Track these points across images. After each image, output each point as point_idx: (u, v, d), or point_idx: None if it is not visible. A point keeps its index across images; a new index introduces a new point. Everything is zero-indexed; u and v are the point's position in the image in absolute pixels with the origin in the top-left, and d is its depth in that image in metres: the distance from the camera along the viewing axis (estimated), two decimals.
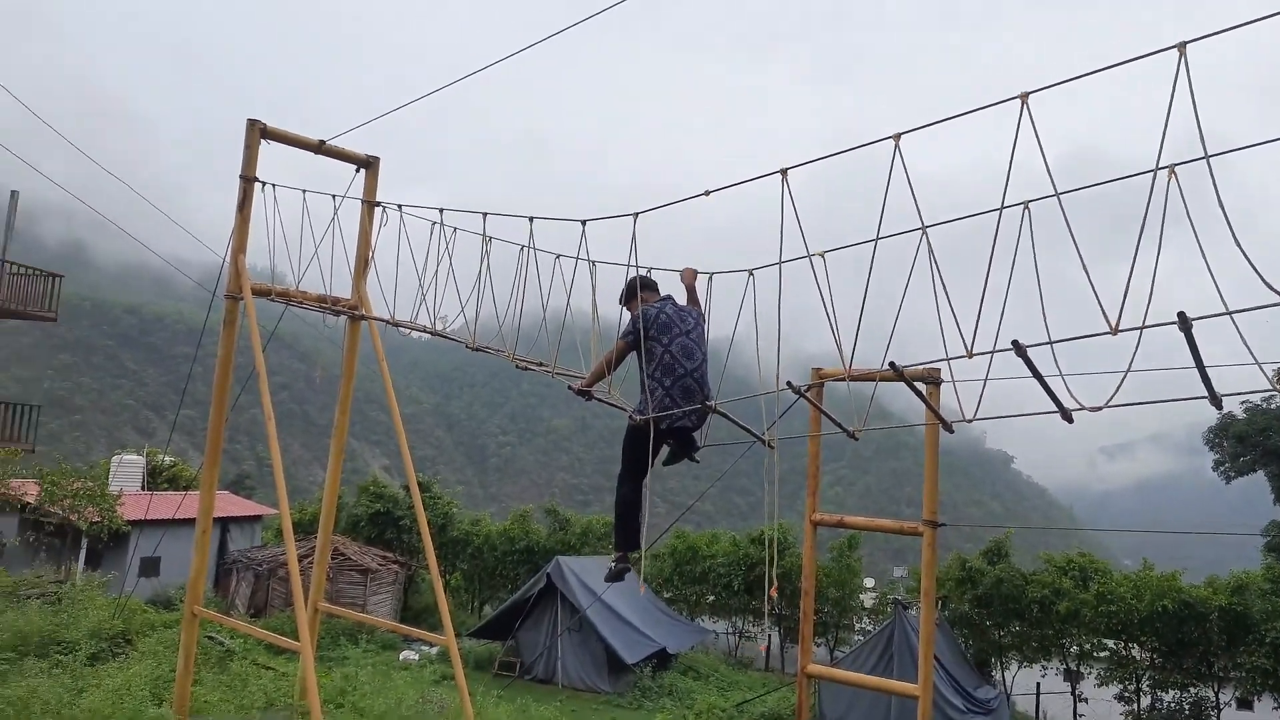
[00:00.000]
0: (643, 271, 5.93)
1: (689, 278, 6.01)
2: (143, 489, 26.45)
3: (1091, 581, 20.12)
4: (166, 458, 31.02)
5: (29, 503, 20.18)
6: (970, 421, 4.41)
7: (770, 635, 24.93)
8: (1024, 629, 20.85)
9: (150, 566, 21.82)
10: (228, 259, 8.26)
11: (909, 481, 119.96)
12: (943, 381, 6.53)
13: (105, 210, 14.57)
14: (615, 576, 5.85)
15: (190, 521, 21.38)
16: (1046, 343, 3.76)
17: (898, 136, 4.07)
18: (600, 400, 5.94)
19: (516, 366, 6.45)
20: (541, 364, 6.84)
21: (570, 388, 5.89)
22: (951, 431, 4.71)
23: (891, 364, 4.06)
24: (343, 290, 8.90)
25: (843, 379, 6.19)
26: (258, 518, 29.44)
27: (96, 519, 20.20)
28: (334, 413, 9.29)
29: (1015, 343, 3.60)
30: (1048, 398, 4.15)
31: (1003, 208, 3.80)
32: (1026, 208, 3.87)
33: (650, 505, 6.46)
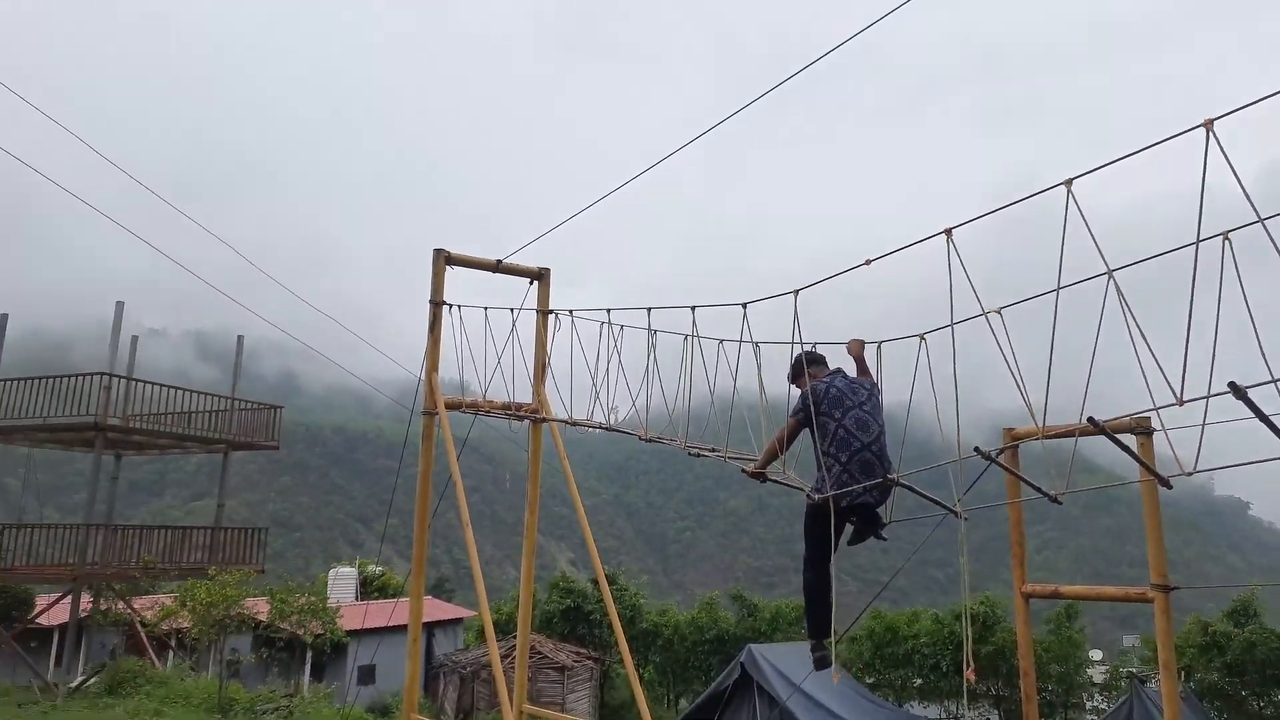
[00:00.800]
0: (807, 347, 5.91)
1: (856, 349, 5.92)
2: (356, 599, 28.29)
3: None
4: (376, 567, 33.11)
5: (261, 620, 22.01)
6: (1190, 475, 4.04)
7: (988, 718, 22.97)
8: None
9: (367, 674, 23.12)
10: (422, 378, 8.94)
11: (1129, 539, 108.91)
12: (1154, 431, 6.02)
13: (313, 340, 16.19)
14: (820, 665, 5.65)
15: (401, 628, 22.64)
16: (1271, 381, 3.42)
17: (1069, 182, 3.91)
18: (775, 481, 5.89)
19: (689, 454, 6.52)
20: (714, 449, 6.89)
21: (744, 470, 5.87)
22: (1169, 487, 4.32)
23: (1091, 419, 3.81)
24: (524, 396, 9.39)
25: (1036, 438, 5.84)
26: (459, 620, 30.66)
27: (319, 632, 21.67)
28: (522, 511, 9.69)
29: (1233, 384, 3.30)
30: (1277, 439, 3.74)
31: (1198, 240, 3.54)
32: (1226, 238, 3.59)
33: (841, 585, 6.26)
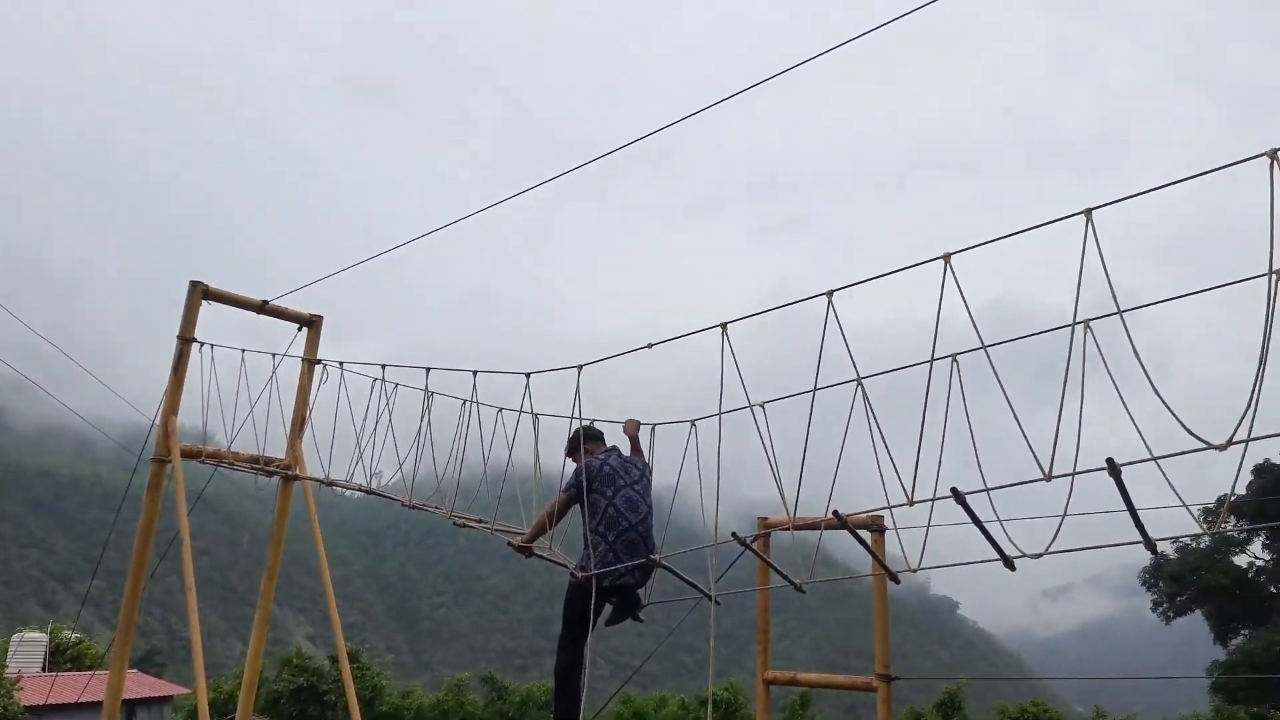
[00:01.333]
0: (586, 423, 5.94)
1: (631, 429, 6.01)
2: (44, 670, 24.31)
3: None
4: (72, 634, 28.76)
5: None
6: (915, 571, 4.42)
7: None
8: None
9: None
10: (157, 420, 8.02)
11: (857, 631, 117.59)
12: (886, 529, 6.57)
13: (29, 370, 14.10)
14: None
15: (95, 705, 19.68)
16: (984, 489, 3.85)
17: (830, 293, 4.27)
18: (541, 556, 5.79)
19: (454, 524, 6.29)
20: (481, 520, 6.68)
21: (510, 544, 5.73)
22: (898, 582, 4.70)
23: (835, 513, 4.09)
24: (277, 450, 8.66)
25: (787, 528, 6.18)
26: (168, 699, 27.18)
27: None
28: (257, 579, 8.83)
29: (954, 490, 3.67)
30: (988, 544, 4.20)
31: (933, 360, 3.97)
32: (955, 360, 4.05)
33: (594, 668, 6.19)
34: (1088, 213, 3.62)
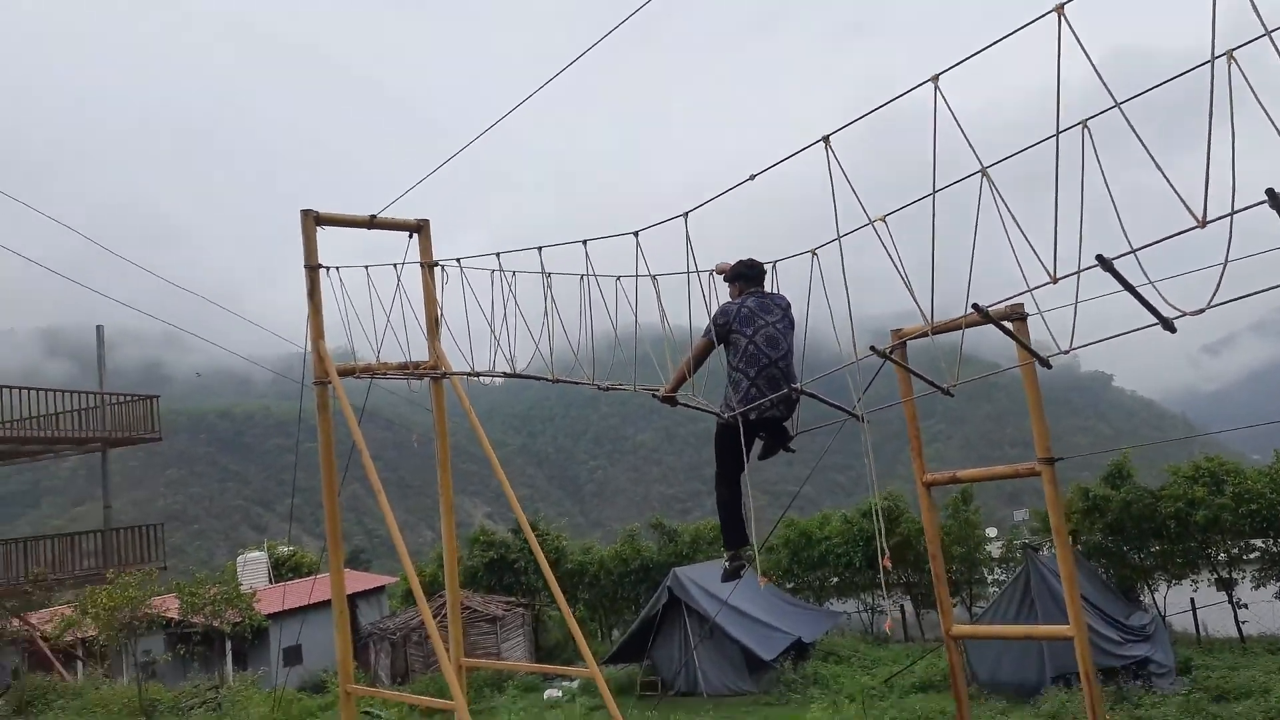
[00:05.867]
0: (705, 268, 5.95)
1: (721, 269, 6.01)
2: (270, 582, 27.50)
3: (1225, 485, 19.24)
4: (286, 548, 32.21)
5: (172, 618, 21.16)
6: (1068, 352, 4.31)
7: (901, 605, 24.48)
8: (1164, 547, 20.04)
9: (293, 655, 22.66)
10: (308, 348, 8.58)
11: (1008, 422, 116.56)
12: (1028, 315, 6.38)
13: (177, 323, 15.25)
14: (732, 575, 5.86)
15: (323, 605, 22.20)
16: (1130, 251, 3.66)
17: (936, 78, 4.01)
18: (686, 405, 5.97)
19: (600, 388, 6.54)
20: (623, 383, 6.92)
21: (655, 395, 5.92)
22: (1050, 367, 4.60)
23: (975, 305, 4.00)
24: (420, 354, 9.15)
25: (924, 335, 6.11)
26: (381, 588, 30.32)
27: (238, 619, 21.07)
28: (429, 473, 9.56)
29: (1100, 257, 3.51)
30: (1144, 310, 4.03)
31: (1059, 132, 3.71)
32: (1085, 126, 3.77)
33: (753, 500, 6.46)
34: None
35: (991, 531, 26.48)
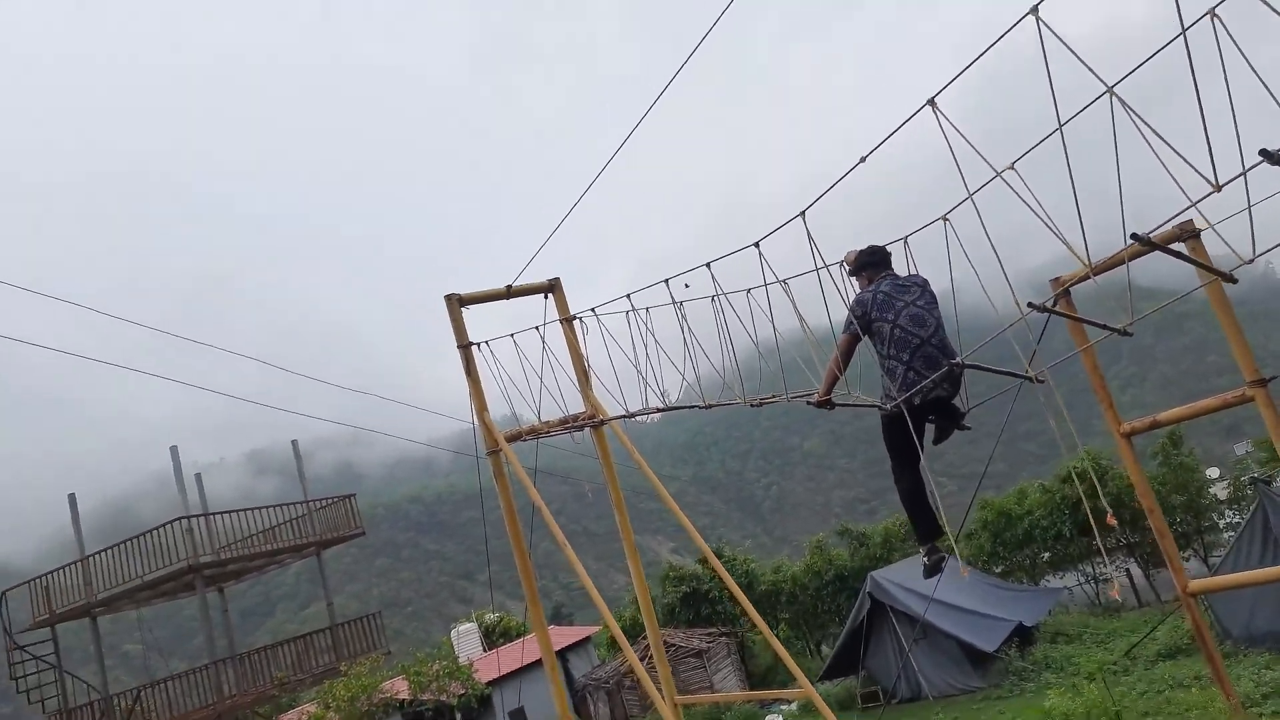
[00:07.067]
0: (837, 258, 5.81)
1: (849, 260, 5.85)
2: (484, 651, 28.69)
3: None
4: (493, 615, 33.58)
5: (404, 698, 22.41)
6: (1252, 261, 3.90)
7: (1127, 569, 22.64)
8: None
9: (518, 717, 23.45)
10: (475, 421, 9.01)
11: (1208, 350, 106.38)
12: (1200, 231, 5.84)
13: (361, 423, 16.36)
14: (933, 569, 5.60)
15: (537, 664, 22.85)
16: None
17: (1035, 9, 3.79)
18: (844, 405, 5.81)
19: (752, 406, 6.48)
20: (773, 395, 6.83)
21: (809, 403, 5.80)
22: (1235, 281, 4.18)
23: (1134, 235, 3.70)
24: (574, 406, 9.41)
25: (1086, 278, 5.70)
26: (586, 639, 30.97)
27: (461, 691, 22.06)
28: (610, 519, 9.73)
29: (1265, 151, 3.17)
30: None
31: (1184, 29, 3.41)
32: (1214, 15, 3.45)
33: (940, 488, 6.16)
34: None
35: (1213, 472, 24.14)
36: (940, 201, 5.18)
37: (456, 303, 9.33)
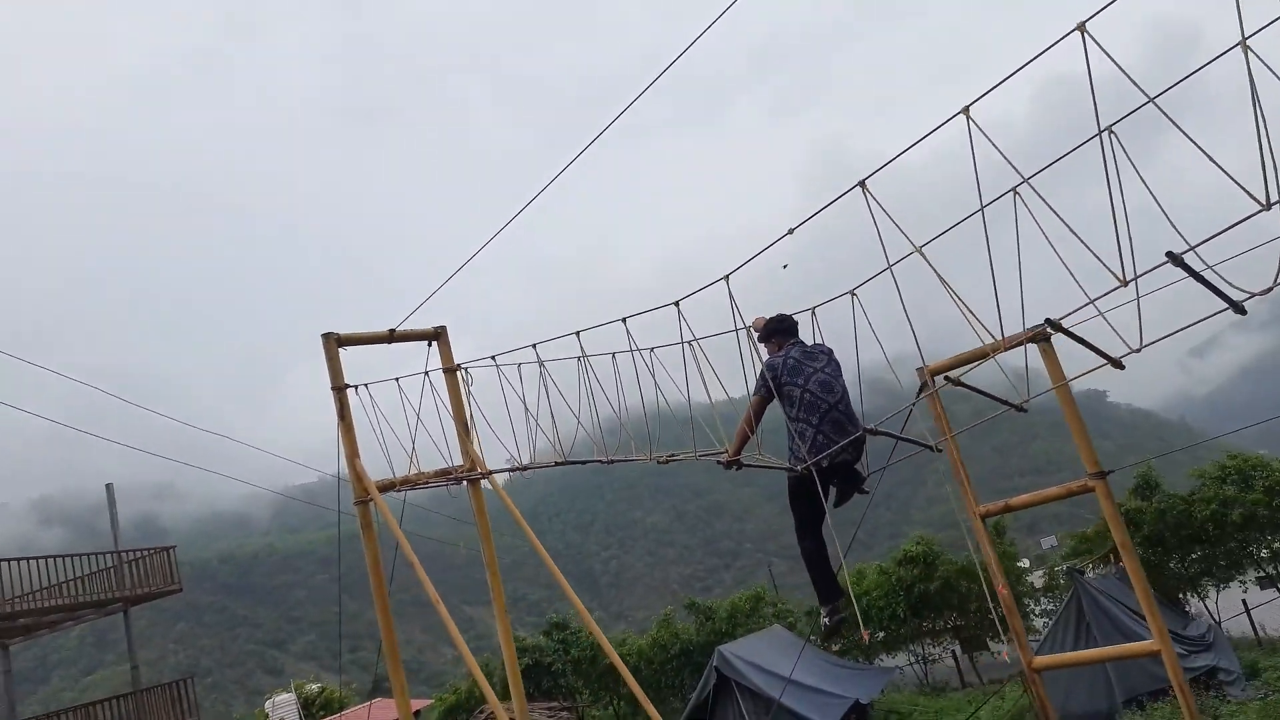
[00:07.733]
0: (749, 328, 6.00)
1: (758, 325, 6.07)
2: None
3: (1254, 480, 19.15)
4: (313, 686, 31.20)
5: None
6: (1139, 351, 4.34)
7: (953, 651, 23.88)
8: (1206, 551, 19.82)
9: None
10: (340, 467, 8.51)
11: (1013, 453, 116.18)
12: (1050, 334, 6.44)
13: (175, 467, 15.09)
14: (832, 631, 5.73)
15: None
16: (1205, 240, 3.73)
17: (966, 109, 4.15)
18: (752, 466, 5.93)
19: (659, 463, 6.49)
20: (682, 453, 6.88)
21: (719, 462, 5.89)
22: (1122, 368, 4.62)
23: (1049, 320, 4.04)
24: (443, 460, 9.07)
25: (957, 368, 6.12)
26: (417, 713, 29.25)
27: None
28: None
29: (1171, 254, 3.58)
30: (1208, 295, 4.09)
31: (1101, 130, 3.81)
32: (1111, 132, 3.88)
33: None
34: None
35: (1024, 563, 26.09)
36: (848, 280, 5.50)
37: (335, 342, 8.87)
